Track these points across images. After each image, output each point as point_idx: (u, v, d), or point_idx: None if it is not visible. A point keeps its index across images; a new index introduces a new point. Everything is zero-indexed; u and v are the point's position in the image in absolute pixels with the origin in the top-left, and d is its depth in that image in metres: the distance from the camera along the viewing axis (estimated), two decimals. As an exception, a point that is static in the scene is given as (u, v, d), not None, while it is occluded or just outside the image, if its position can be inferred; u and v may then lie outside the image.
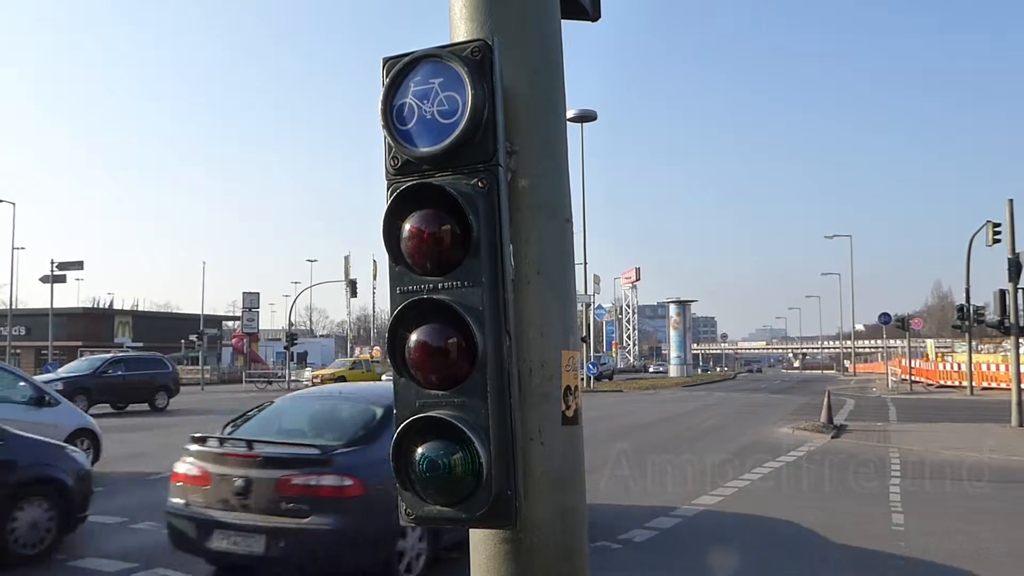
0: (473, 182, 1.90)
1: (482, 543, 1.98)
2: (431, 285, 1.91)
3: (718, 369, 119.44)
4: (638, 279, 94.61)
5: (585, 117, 40.81)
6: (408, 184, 1.94)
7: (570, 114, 39.98)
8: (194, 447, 7.00)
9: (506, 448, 1.85)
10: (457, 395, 1.87)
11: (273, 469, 6.44)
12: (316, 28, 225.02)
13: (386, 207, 1.94)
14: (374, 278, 68.35)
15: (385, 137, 1.98)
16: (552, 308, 2.02)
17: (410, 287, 1.93)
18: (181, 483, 6.93)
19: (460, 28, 2.06)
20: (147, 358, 30.14)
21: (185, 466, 6.93)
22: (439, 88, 1.92)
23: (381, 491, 6.05)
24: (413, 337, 1.89)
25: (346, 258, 65.90)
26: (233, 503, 6.46)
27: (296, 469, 6.40)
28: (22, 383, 13.23)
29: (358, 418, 7.18)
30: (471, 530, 1.99)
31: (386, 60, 1.99)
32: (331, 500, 6.28)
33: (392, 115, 1.96)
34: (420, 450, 1.86)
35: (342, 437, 6.79)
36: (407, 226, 1.91)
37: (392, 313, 1.93)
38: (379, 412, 7.04)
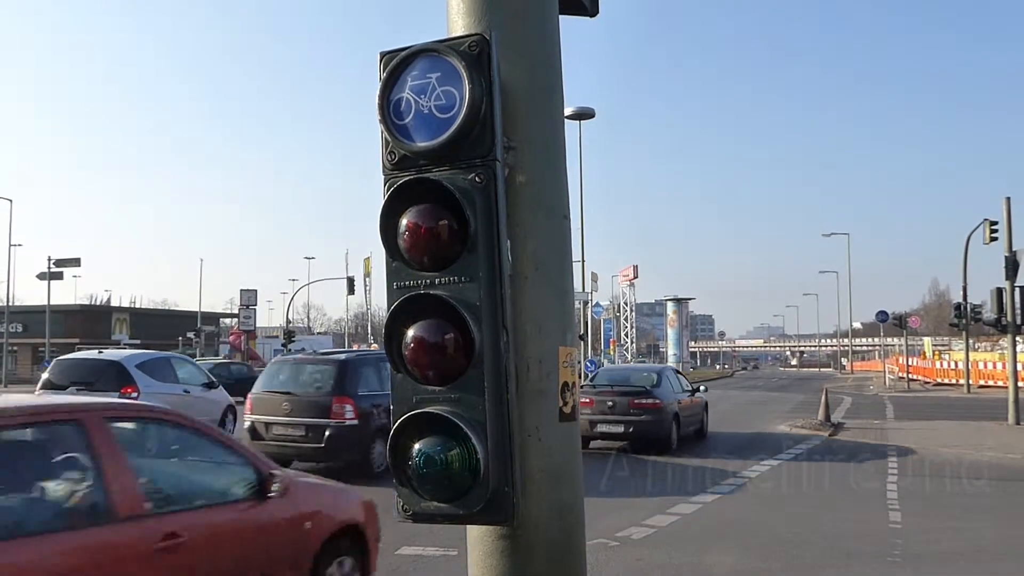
0: (470, 177, 1.89)
1: (480, 539, 1.98)
2: (428, 281, 1.91)
3: (716, 367, 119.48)
4: (636, 277, 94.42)
5: (583, 114, 40.58)
6: (405, 179, 1.93)
7: (568, 111, 39.64)
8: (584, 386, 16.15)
9: (503, 444, 1.84)
10: (454, 391, 1.87)
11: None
12: (315, 24, 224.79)
13: (383, 202, 1.94)
14: (366, 276, 68.24)
15: (382, 132, 1.97)
16: (550, 304, 2.02)
17: (407, 283, 1.93)
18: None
19: (458, 23, 2.05)
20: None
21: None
22: (436, 83, 1.92)
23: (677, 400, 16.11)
24: (410, 333, 1.89)
25: (347, 254, 65.75)
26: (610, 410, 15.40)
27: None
28: (199, 372, 17.29)
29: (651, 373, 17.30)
30: (469, 526, 1.98)
31: (383, 55, 1.98)
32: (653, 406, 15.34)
33: (389, 110, 1.96)
34: (417, 446, 1.86)
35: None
36: (404, 221, 1.91)
37: (389, 309, 1.92)
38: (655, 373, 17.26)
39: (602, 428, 15.41)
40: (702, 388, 18.69)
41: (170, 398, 14.29)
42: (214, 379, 17.55)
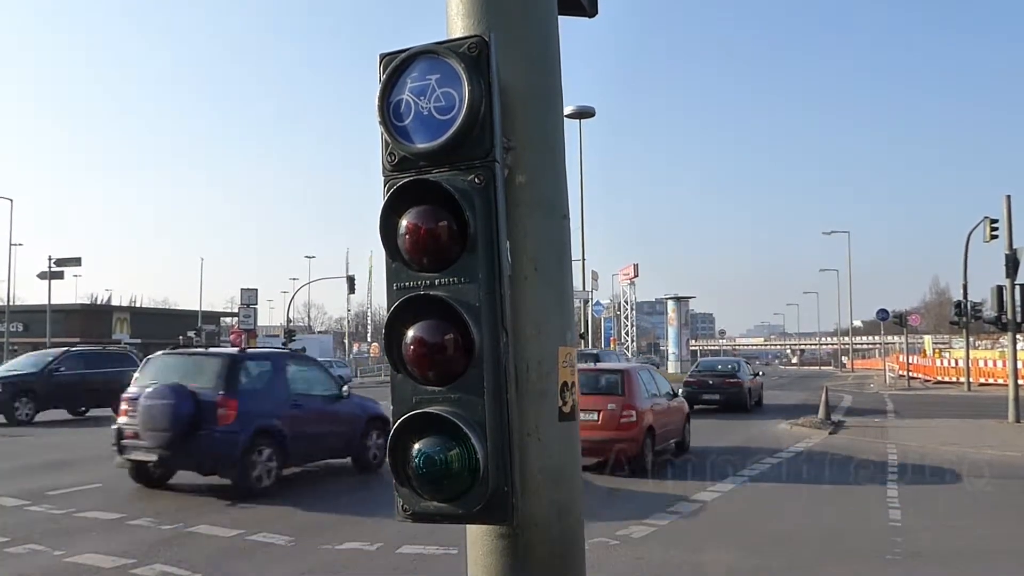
0: (470, 178, 1.90)
1: (479, 539, 1.99)
2: (428, 281, 1.91)
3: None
4: (636, 275, 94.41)
5: (583, 113, 40.68)
6: (405, 180, 1.94)
7: (568, 110, 39.79)
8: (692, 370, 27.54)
9: (503, 444, 1.85)
10: (454, 391, 1.87)
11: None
12: (316, 25, 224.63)
13: (383, 203, 1.95)
14: (370, 275, 68.33)
15: (382, 133, 1.98)
16: (549, 304, 2.03)
17: (407, 283, 1.93)
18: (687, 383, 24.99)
19: (457, 24, 2.06)
20: (114, 354, 25.28)
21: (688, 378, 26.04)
22: (436, 84, 1.92)
23: (748, 380, 26.31)
24: (410, 333, 1.89)
25: (347, 252, 65.73)
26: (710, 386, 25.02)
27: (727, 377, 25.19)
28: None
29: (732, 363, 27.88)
30: (468, 526, 1.99)
31: (383, 56, 1.99)
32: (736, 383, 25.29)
33: (389, 111, 1.96)
34: (417, 446, 1.86)
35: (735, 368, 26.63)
36: (404, 222, 1.91)
37: (389, 309, 1.93)
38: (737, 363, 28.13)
39: (705, 397, 24.65)
40: (760, 373, 29.44)
41: None
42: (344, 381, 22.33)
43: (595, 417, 12.58)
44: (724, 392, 24.86)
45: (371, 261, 66.00)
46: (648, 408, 13.38)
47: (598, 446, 12.28)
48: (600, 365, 18.59)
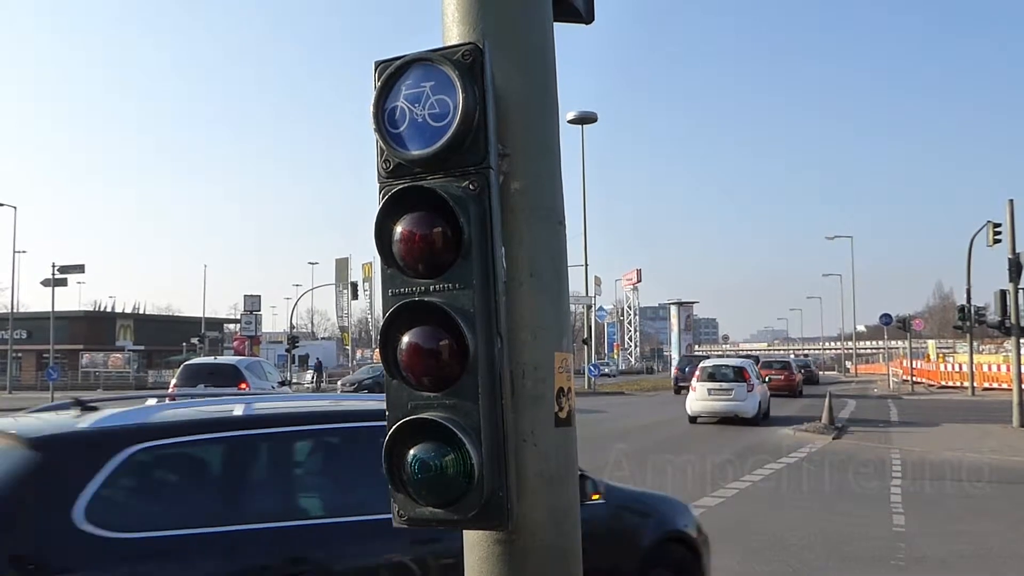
0: (464, 185, 1.90)
1: (475, 545, 1.99)
2: (423, 287, 1.92)
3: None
4: (639, 281, 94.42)
5: (585, 119, 40.79)
6: (399, 187, 1.95)
7: (570, 116, 39.93)
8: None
9: (498, 449, 1.86)
10: (449, 397, 1.88)
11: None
12: (317, 30, 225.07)
13: (378, 210, 1.96)
14: (365, 280, 68.31)
15: (377, 140, 1.99)
16: (545, 310, 2.03)
17: (402, 289, 1.94)
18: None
19: (452, 31, 2.07)
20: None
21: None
22: (430, 91, 1.93)
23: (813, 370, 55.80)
24: (405, 339, 1.90)
25: (338, 261, 65.68)
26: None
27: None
28: (276, 373, 23.53)
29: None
30: (465, 532, 2.00)
31: (378, 64, 2.00)
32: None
33: (384, 118, 1.97)
34: (412, 452, 1.87)
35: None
36: (399, 229, 1.92)
37: (384, 315, 1.93)
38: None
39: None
40: (811, 366, 54.85)
41: (264, 391, 20.07)
42: (287, 379, 26.34)
43: (781, 377, 36.35)
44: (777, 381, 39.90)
45: (369, 270, 66.10)
46: (797, 374, 39.34)
47: (782, 388, 34.51)
48: (777, 357, 49.37)
